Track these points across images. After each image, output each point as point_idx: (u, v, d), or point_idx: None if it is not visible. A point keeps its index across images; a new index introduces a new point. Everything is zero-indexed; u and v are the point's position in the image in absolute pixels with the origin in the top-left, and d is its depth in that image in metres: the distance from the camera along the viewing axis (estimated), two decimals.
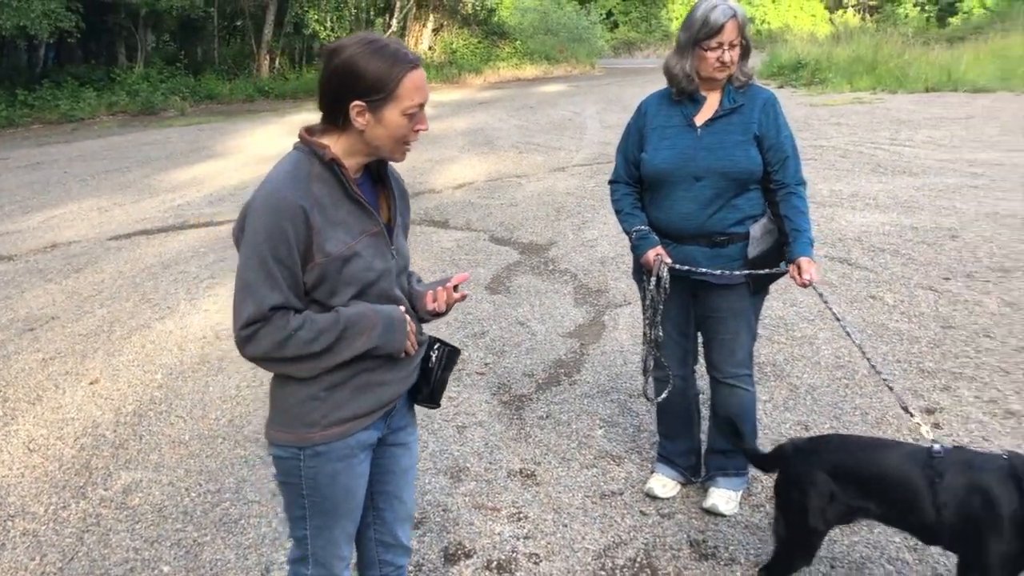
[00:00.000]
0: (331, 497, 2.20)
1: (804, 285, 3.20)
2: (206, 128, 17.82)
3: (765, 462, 3.04)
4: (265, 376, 2.43)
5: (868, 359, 3.30)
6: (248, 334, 2.03)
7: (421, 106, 2.09)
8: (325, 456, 2.15)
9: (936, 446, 2.66)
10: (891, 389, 3.20)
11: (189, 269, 7.51)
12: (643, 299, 3.44)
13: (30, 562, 3.48)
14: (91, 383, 5.18)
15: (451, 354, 2.36)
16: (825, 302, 3.31)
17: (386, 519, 2.42)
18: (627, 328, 5.62)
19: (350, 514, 2.27)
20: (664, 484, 3.69)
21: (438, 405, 2.35)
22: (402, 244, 2.25)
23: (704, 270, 3.28)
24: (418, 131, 2.12)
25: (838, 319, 3.35)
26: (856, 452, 2.79)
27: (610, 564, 3.24)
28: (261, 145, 14.58)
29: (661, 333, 3.42)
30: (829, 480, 2.69)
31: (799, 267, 3.19)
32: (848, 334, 3.38)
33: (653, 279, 3.31)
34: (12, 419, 4.76)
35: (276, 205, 2.01)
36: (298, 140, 2.14)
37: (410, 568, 3.26)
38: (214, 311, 6.35)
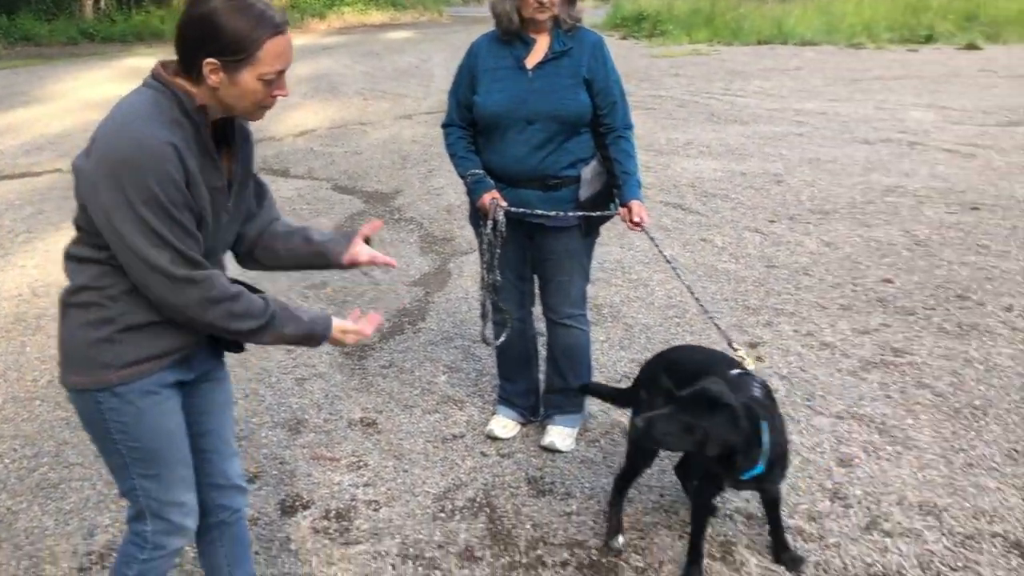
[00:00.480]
0: (144, 439, 2.08)
1: (634, 227, 3.29)
2: (22, 72, 16.43)
3: (622, 397, 3.20)
4: None
5: (696, 299, 3.44)
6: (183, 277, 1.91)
7: (281, 72, 1.96)
8: (125, 396, 2.03)
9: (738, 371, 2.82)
10: (718, 327, 3.35)
11: (3, 223, 6.94)
12: (480, 243, 3.44)
13: None
14: None
15: None
16: (656, 245, 3.41)
17: (212, 460, 2.32)
18: (472, 276, 5.63)
19: (175, 457, 2.15)
20: (504, 425, 3.75)
21: (242, 349, 2.26)
22: (245, 198, 2.16)
23: (539, 212, 3.30)
24: (276, 96, 2.00)
25: (668, 261, 3.48)
26: (689, 354, 3.11)
27: (450, 506, 3.27)
28: (86, 91, 13.58)
29: (499, 277, 3.43)
30: (665, 377, 2.90)
31: (630, 210, 3.27)
32: (678, 275, 3.51)
33: (489, 223, 3.31)
34: None
35: (153, 150, 1.83)
36: (152, 77, 1.96)
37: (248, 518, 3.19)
38: (31, 267, 5.89)
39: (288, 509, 3.28)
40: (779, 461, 2.60)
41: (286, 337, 2.09)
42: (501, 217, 3.28)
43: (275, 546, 3.07)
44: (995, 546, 2.91)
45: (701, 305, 3.51)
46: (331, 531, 3.15)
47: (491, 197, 3.30)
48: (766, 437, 2.47)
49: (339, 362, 4.50)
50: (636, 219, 3.25)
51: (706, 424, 2.41)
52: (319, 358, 4.54)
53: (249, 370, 4.40)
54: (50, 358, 4.55)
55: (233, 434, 2.43)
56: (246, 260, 2.33)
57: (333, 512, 3.25)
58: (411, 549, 3.03)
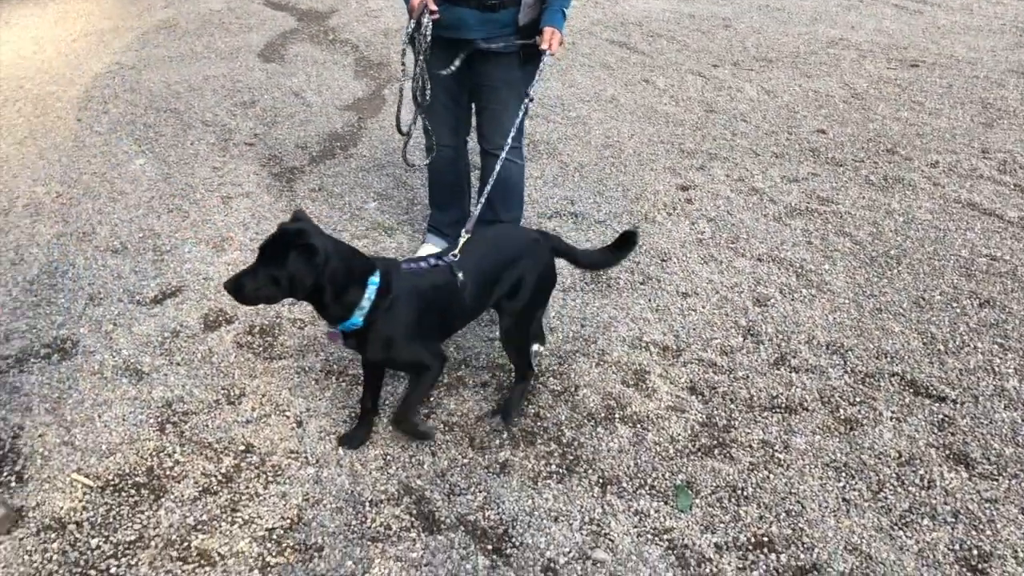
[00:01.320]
0: None
1: (543, 53, 3.14)
2: None
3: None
4: None
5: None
6: None
7: None
8: None
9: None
10: None
11: None
12: (415, 54, 3.29)
13: None
14: None
15: None
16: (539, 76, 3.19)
17: None
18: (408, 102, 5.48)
19: None
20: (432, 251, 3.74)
21: None
22: None
23: (476, 38, 3.17)
24: None
25: (529, 96, 3.21)
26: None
27: None
28: None
29: (428, 96, 3.32)
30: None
31: (542, 35, 3.15)
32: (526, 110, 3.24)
33: (413, 23, 3.15)
34: None
35: None
36: None
37: (167, 335, 3.18)
38: None
39: (211, 324, 3.27)
40: (379, 331, 2.46)
41: None
42: (427, 19, 3.12)
43: (196, 358, 3.08)
44: (892, 384, 3.08)
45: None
46: (255, 346, 3.16)
47: (420, 1, 3.13)
48: (370, 293, 2.39)
49: (267, 183, 4.40)
50: (544, 46, 3.13)
51: (289, 267, 2.26)
52: (247, 177, 4.42)
53: (173, 186, 4.27)
54: None
55: None
56: None
57: (257, 328, 3.25)
58: (335, 366, 3.07)
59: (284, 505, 2.48)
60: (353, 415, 2.82)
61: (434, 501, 2.52)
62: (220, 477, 2.58)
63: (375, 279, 2.41)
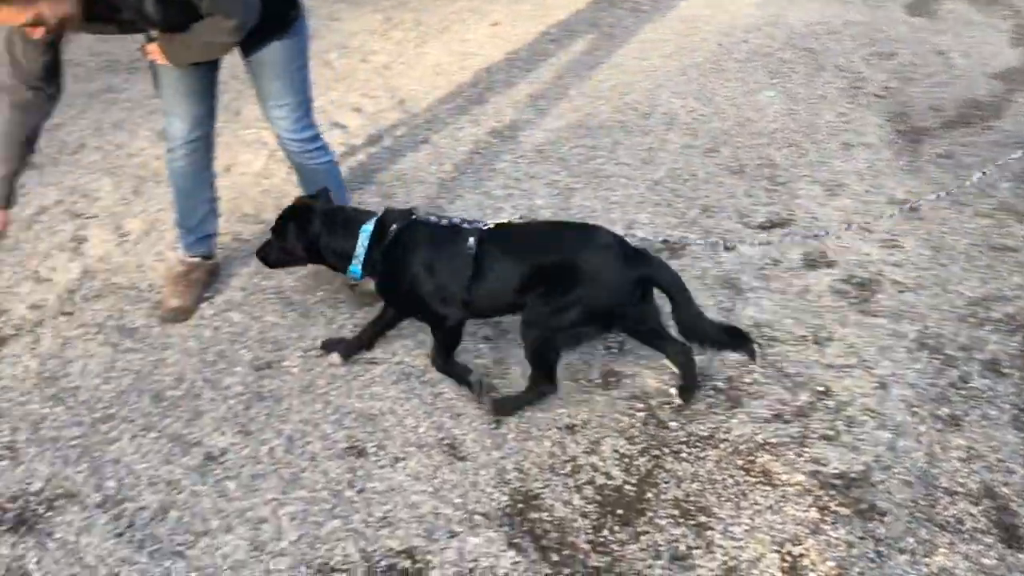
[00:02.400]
0: None
1: None
2: None
3: None
4: None
5: None
6: None
7: None
8: None
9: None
10: None
11: None
12: None
13: (429, 166, 3.93)
14: (492, 24, 5.44)
15: None
16: None
17: None
18: None
19: None
20: None
21: None
22: None
23: None
24: None
25: None
26: None
27: (983, 313, 2.99)
28: None
29: None
30: None
31: None
32: None
33: None
34: (423, 43, 5.19)
35: None
36: None
37: (768, 262, 3.26)
38: None
39: (811, 263, 3.26)
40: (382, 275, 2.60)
41: None
42: None
43: (792, 291, 3.11)
44: None
45: None
46: (851, 296, 3.09)
47: None
48: (363, 240, 2.52)
49: (890, 138, 4.20)
50: None
51: (287, 239, 2.62)
52: (871, 129, 4.28)
53: (797, 122, 4.32)
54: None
55: None
56: None
57: (856, 279, 3.17)
58: (930, 341, 2.87)
59: (852, 458, 2.42)
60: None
61: (1021, 517, 2.25)
62: (794, 409, 2.59)
63: (368, 226, 2.53)
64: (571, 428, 2.56)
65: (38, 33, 2.16)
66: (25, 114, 2.45)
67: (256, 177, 3.81)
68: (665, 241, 3.24)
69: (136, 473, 2.41)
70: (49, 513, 2.29)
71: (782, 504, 2.29)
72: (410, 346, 2.86)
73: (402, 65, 4.90)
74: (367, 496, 2.35)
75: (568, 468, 2.43)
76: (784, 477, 2.37)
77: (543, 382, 2.54)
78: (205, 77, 2.79)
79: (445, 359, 2.67)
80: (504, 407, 2.59)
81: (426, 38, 5.23)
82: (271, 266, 2.83)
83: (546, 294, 2.44)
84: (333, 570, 2.14)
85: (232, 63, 2.86)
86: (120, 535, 2.23)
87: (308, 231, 2.59)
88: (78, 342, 2.90)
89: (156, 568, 2.15)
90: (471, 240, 2.47)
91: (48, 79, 2.44)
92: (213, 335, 2.94)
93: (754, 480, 2.37)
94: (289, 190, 3.47)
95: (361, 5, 5.75)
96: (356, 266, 2.57)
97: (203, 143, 2.92)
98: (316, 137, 2.96)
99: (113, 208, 3.62)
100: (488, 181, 3.81)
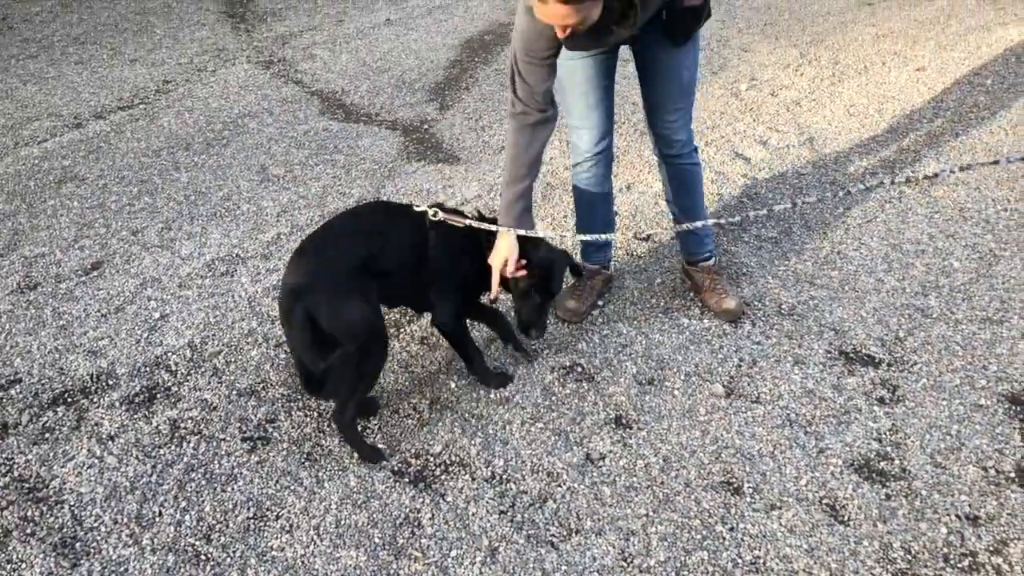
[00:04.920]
0: None
1: None
2: None
3: None
4: None
5: None
6: None
7: None
8: None
9: None
10: None
11: None
12: None
13: (835, 209, 3.75)
14: (917, 69, 5.07)
15: None
16: None
17: None
18: None
19: None
20: None
21: None
22: None
23: None
24: None
25: None
26: None
27: None
28: None
29: None
30: None
31: None
32: None
33: None
34: (839, 82, 4.97)
35: None
36: None
37: None
38: None
39: None
40: None
41: None
42: None
43: None
44: None
45: None
46: None
47: None
48: None
49: None
50: None
51: None
52: None
53: None
54: None
55: None
56: None
57: None
58: None
59: None
60: None
61: None
62: None
63: None
64: (973, 519, 2.29)
65: (564, 33, 2.31)
66: (535, 133, 2.66)
67: (655, 197, 3.88)
68: None
69: (522, 457, 2.56)
70: (444, 476, 2.51)
71: None
72: (797, 393, 2.74)
73: (813, 102, 4.73)
74: (738, 536, 2.28)
75: (966, 563, 2.18)
76: None
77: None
78: (606, 96, 2.91)
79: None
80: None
81: (842, 77, 5.01)
82: None
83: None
84: None
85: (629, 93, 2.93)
86: (503, 512, 2.38)
87: None
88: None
89: (531, 553, 2.26)
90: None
91: (552, 101, 2.64)
92: (600, 342, 3.04)
93: None
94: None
95: (776, 38, 5.66)
96: None
97: (605, 156, 3.04)
98: (693, 139, 3.02)
99: None
100: (900, 234, 3.55)
